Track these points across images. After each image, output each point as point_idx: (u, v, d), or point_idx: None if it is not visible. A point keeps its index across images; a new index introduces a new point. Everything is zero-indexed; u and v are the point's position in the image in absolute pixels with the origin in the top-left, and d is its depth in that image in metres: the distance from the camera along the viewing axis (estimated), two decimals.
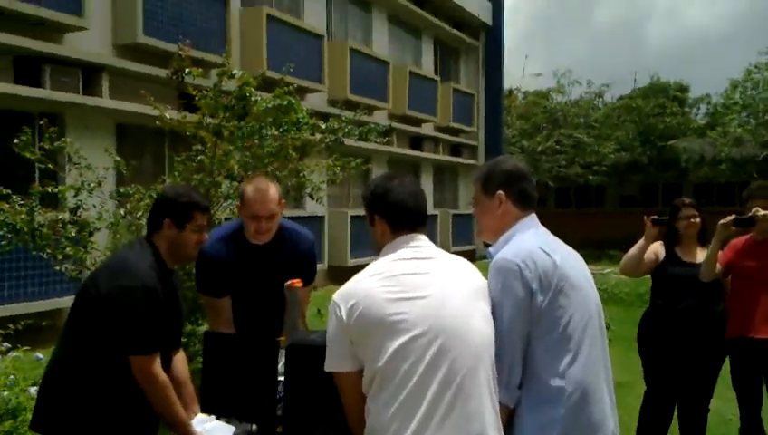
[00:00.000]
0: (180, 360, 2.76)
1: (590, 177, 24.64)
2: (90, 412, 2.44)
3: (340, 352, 2.02)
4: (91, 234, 5.20)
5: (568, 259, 2.24)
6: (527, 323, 2.10)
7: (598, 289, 2.37)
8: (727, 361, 4.24)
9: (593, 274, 2.36)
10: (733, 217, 4.00)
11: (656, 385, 4.45)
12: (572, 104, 27.93)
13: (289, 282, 2.94)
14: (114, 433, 2.46)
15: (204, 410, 2.66)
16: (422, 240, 2.15)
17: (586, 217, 25.74)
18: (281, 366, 2.55)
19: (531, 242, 2.21)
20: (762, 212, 3.89)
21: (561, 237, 2.33)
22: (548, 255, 2.16)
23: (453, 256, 2.20)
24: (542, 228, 2.33)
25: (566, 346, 2.11)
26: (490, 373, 2.01)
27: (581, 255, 2.39)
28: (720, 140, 22.22)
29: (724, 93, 23.79)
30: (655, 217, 4.37)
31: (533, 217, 2.33)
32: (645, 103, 25.46)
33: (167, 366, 2.59)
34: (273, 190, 3.18)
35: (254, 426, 2.58)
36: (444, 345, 1.94)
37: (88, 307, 2.47)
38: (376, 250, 2.20)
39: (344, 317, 1.98)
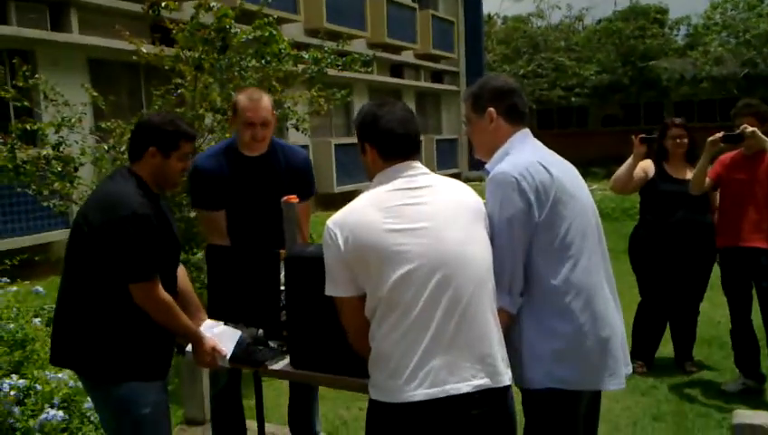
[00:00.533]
0: (182, 273, 2.78)
1: (573, 98, 24.66)
2: (104, 342, 2.48)
3: (339, 278, 2.02)
4: (76, 169, 5.15)
5: (565, 171, 2.25)
6: (527, 233, 2.11)
7: None
8: (716, 267, 4.41)
9: None
10: (721, 133, 4.05)
11: (650, 295, 4.70)
12: (553, 28, 27.67)
13: (285, 198, 2.95)
14: (130, 359, 2.50)
15: (211, 317, 2.74)
16: (416, 168, 2.09)
17: (569, 137, 25.80)
18: (282, 277, 2.62)
19: (528, 156, 2.20)
20: (750, 129, 3.94)
21: None
22: (545, 168, 2.16)
23: (448, 179, 2.16)
24: (538, 142, 2.31)
25: (566, 254, 2.13)
26: (492, 296, 2.02)
27: None
28: (700, 59, 22.19)
29: (704, 14, 23.60)
30: (643, 135, 4.45)
31: (527, 132, 2.30)
32: (625, 26, 25.29)
33: (172, 286, 2.62)
34: (266, 99, 3.18)
35: (261, 330, 2.68)
36: (445, 275, 1.94)
37: (83, 243, 2.46)
38: (368, 178, 2.16)
39: (341, 245, 1.97)
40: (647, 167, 4.62)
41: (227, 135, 6.10)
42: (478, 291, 1.98)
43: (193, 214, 5.83)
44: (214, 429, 3.42)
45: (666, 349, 5.05)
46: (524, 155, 2.20)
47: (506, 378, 2.00)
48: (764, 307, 4.09)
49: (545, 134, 2.32)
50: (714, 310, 5.57)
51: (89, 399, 3.36)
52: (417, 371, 1.90)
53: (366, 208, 2.01)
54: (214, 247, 2.97)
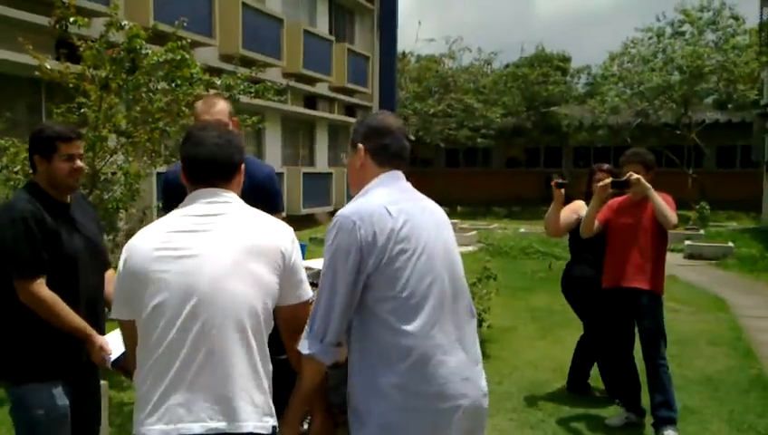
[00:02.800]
0: (109, 276, 2.87)
1: (479, 139, 25.53)
2: (6, 341, 2.61)
3: (118, 300, 2.02)
4: None
5: (419, 219, 2.10)
6: (356, 280, 1.98)
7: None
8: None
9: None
10: (610, 180, 4.35)
11: (594, 328, 4.95)
12: (463, 70, 28.58)
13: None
14: (26, 359, 2.60)
15: None
16: (217, 195, 2.03)
17: (474, 176, 26.69)
18: None
19: (376, 200, 2.07)
20: (635, 176, 4.23)
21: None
22: (390, 214, 2.03)
23: (255, 214, 2.07)
24: (400, 185, 2.18)
25: (405, 308, 1.99)
26: (249, 335, 1.91)
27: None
28: (598, 107, 23.54)
29: (603, 65, 25.09)
30: (559, 180, 4.71)
31: (393, 174, 2.17)
32: (530, 71, 26.58)
33: (96, 282, 2.74)
34: (222, 103, 3.22)
35: None
36: (196, 308, 1.88)
37: None
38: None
39: (121, 268, 1.99)
40: (577, 208, 4.96)
41: (130, 159, 5.95)
42: (230, 329, 1.89)
43: None
44: None
45: (551, 383, 5.27)
46: (374, 199, 2.08)
47: (247, 425, 1.88)
48: (645, 345, 4.35)
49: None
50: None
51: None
52: (159, 405, 1.87)
53: (151, 232, 2.01)
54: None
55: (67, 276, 2.63)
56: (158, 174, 7.60)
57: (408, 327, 1.97)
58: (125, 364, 2.49)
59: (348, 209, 2.05)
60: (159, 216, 3.22)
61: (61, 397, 2.62)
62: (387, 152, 2.18)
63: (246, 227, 2.00)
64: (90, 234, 2.77)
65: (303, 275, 2.08)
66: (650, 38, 22.89)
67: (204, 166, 2.04)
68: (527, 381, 5.42)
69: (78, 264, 2.66)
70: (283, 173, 15.96)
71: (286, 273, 2.01)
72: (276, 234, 2.04)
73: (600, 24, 64.40)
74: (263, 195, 3.26)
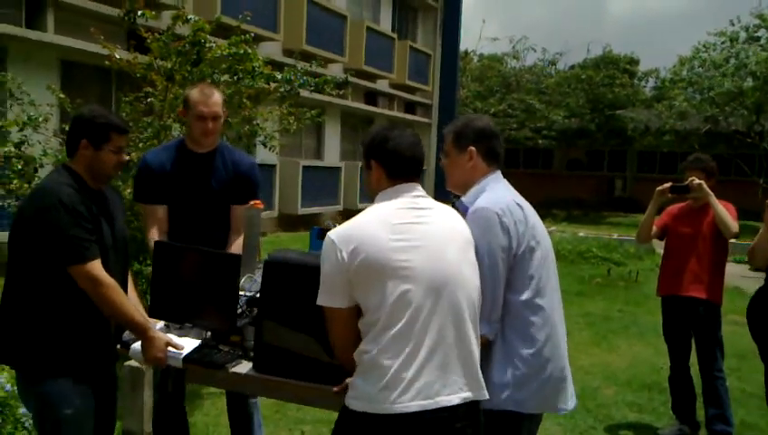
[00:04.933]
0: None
1: (540, 140, 25.14)
2: (36, 336, 2.47)
3: (336, 290, 2.09)
4: (36, 169, 5.08)
5: (532, 212, 2.42)
6: (506, 265, 2.27)
7: None
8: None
9: None
10: (669, 184, 4.23)
11: None
12: (526, 70, 28.19)
13: (251, 202, 3.02)
14: (60, 355, 2.49)
15: (152, 316, 2.68)
16: (419, 190, 2.22)
17: (533, 177, 26.30)
18: (242, 281, 2.68)
19: (505, 194, 2.38)
20: (697, 181, 4.11)
21: None
22: (520, 207, 2.35)
23: (443, 205, 2.27)
24: (508, 184, 2.48)
25: (535, 288, 2.31)
26: (476, 313, 2.17)
27: None
28: (665, 112, 22.80)
29: (672, 69, 24.33)
30: None
31: (499, 174, 2.47)
32: (595, 73, 25.97)
33: (121, 281, 2.62)
34: (217, 94, 3.29)
35: (209, 333, 2.65)
36: (444, 293, 2.06)
37: (20, 237, 2.49)
38: (368, 195, 2.28)
39: (345, 259, 2.04)
40: None
41: None
42: (470, 310, 2.12)
43: None
44: None
45: (602, 390, 5.16)
46: (501, 193, 2.38)
47: (485, 392, 2.15)
48: (701, 356, 4.22)
49: (511, 173, 2.49)
50: (657, 357, 5.73)
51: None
52: (413, 383, 2.00)
53: (372, 223, 2.11)
54: (162, 244, 2.92)
55: (110, 266, 2.51)
56: None
57: (541, 302, 2.31)
58: (198, 356, 2.50)
59: (485, 202, 2.32)
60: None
61: (88, 395, 2.54)
62: (493, 153, 2.46)
63: (450, 220, 2.22)
64: (118, 227, 2.68)
65: None
66: (723, 42, 22.02)
67: (407, 163, 2.22)
68: (578, 386, 5.22)
69: (110, 255, 2.55)
70: (341, 168, 16.09)
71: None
72: (465, 224, 2.28)
73: (670, 27, 62.58)
74: (244, 185, 3.34)
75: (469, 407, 2.08)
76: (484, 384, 2.14)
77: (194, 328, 2.68)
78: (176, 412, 3.36)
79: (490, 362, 2.31)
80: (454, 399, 2.03)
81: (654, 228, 4.36)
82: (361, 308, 2.09)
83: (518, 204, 2.36)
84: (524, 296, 2.30)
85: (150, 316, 2.67)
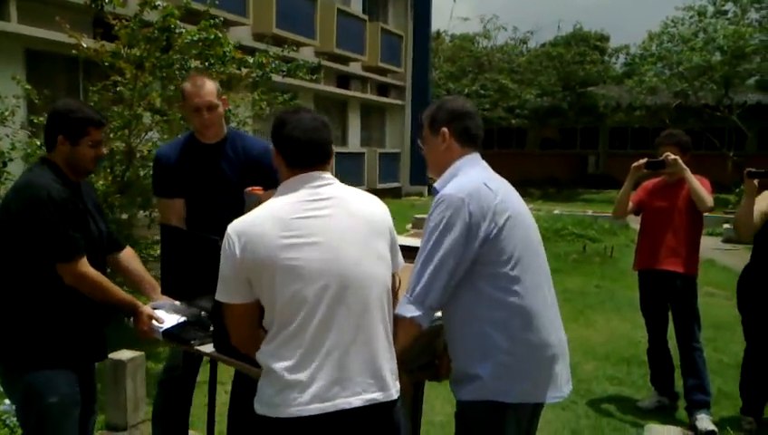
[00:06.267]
0: (131, 256, 2.89)
1: (513, 120, 25.25)
2: (18, 327, 2.49)
3: (231, 285, 2.01)
4: (5, 164, 4.97)
5: (508, 192, 2.31)
6: (464, 254, 2.15)
7: None
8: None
9: None
10: (645, 160, 4.27)
11: (757, 342, 4.10)
12: (498, 50, 28.29)
13: (249, 188, 3.00)
14: (41, 345, 2.50)
15: (164, 293, 2.86)
16: (322, 179, 2.07)
17: (508, 157, 26.36)
18: None
19: (476, 178, 2.26)
20: (672, 156, 4.15)
21: None
22: (491, 190, 2.22)
23: (356, 192, 2.14)
24: (485, 165, 2.38)
25: (511, 273, 2.18)
26: (386, 312, 2.06)
27: None
28: (636, 88, 22.99)
29: (642, 44, 24.51)
30: (751, 169, 3.88)
31: (476, 156, 2.37)
32: (566, 51, 26.09)
33: (101, 270, 2.65)
34: (210, 84, 3.25)
35: (203, 313, 2.70)
36: (339, 293, 1.96)
37: (4, 233, 2.48)
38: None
39: (237, 253, 1.96)
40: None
41: (165, 136, 6.04)
42: (373, 308, 2.01)
43: (125, 216, 5.72)
44: (155, 419, 3.39)
45: (582, 365, 5.24)
46: (472, 177, 2.26)
47: (395, 392, 2.04)
48: (679, 329, 4.29)
49: (486, 153, 2.41)
50: (634, 330, 5.82)
51: (5, 401, 3.27)
52: (310, 384, 1.92)
53: (265, 220, 1.99)
54: (167, 227, 3.07)
55: (91, 260, 2.55)
56: None
57: (518, 287, 2.18)
58: (177, 332, 2.60)
59: (452, 188, 2.21)
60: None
61: (73, 383, 2.56)
62: (468, 134, 2.36)
63: (359, 208, 2.10)
64: (97, 220, 2.69)
65: (398, 246, 2.22)
66: (691, 17, 22.24)
67: (306, 150, 2.07)
68: None
69: (94, 247, 2.60)
70: None
71: (392, 246, 2.16)
72: (382, 210, 2.17)
73: (639, 4, 62.98)
74: (258, 170, 3.28)
75: (376, 409, 1.98)
76: (393, 382, 2.03)
77: (191, 308, 2.77)
78: (180, 396, 3.36)
79: (461, 353, 2.24)
80: (354, 401, 1.94)
81: (630, 204, 4.40)
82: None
83: (489, 187, 2.23)
84: (496, 282, 2.18)
85: (163, 293, 2.83)
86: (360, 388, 1.96)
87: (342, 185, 2.13)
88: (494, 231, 2.17)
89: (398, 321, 2.15)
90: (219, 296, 2.05)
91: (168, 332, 2.63)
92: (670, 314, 4.38)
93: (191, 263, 2.77)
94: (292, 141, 2.07)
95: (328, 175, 2.10)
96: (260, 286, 1.98)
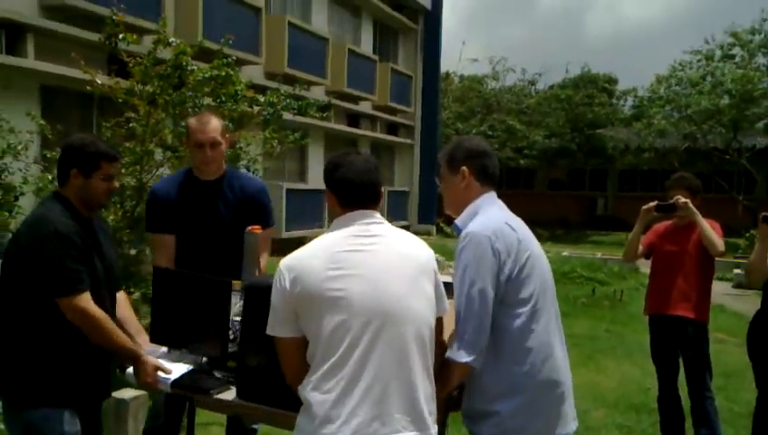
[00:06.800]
0: (122, 299, 2.82)
1: (521, 160, 25.31)
2: (21, 363, 2.47)
3: (281, 319, 2.05)
4: (16, 198, 5.01)
5: (527, 232, 2.38)
6: (496, 291, 2.20)
7: None
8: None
9: None
10: (655, 203, 4.25)
11: None
12: (506, 91, 28.51)
13: (249, 228, 3.00)
14: (43, 383, 2.47)
15: (153, 341, 2.73)
16: (371, 217, 2.15)
17: (516, 197, 26.33)
18: (237, 307, 2.64)
19: (497, 217, 2.34)
20: (682, 200, 4.12)
21: None
22: (513, 229, 2.30)
23: (402, 232, 2.20)
24: (502, 203, 2.44)
25: (530, 311, 2.24)
26: (427, 352, 2.06)
27: None
28: (645, 130, 23.09)
29: (650, 87, 24.69)
30: (766, 214, 3.73)
31: (494, 194, 2.43)
32: (575, 93, 26.27)
33: (110, 308, 2.62)
34: (216, 121, 3.27)
35: (204, 359, 2.64)
36: (382, 328, 1.97)
37: (12, 266, 2.49)
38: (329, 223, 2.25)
39: (287, 287, 2.01)
40: None
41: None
42: (413, 346, 2.01)
43: (133, 252, 5.73)
44: None
45: (591, 413, 5.13)
46: (493, 215, 2.34)
47: (433, 432, 2.04)
48: (690, 376, 4.21)
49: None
50: (644, 377, 5.71)
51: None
52: (350, 420, 1.92)
53: (313, 253, 2.06)
54: (161, 270, 2.95)
55: (99, 298, 2.53)
56: None
57: (537, 326, 2.24)
58: (187, 381, 2.50)
59: (476, 226, 2.27)
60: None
61: (74, 422, 2.51)
62: (487, 172, 2.42)
63: (406, 247, 2.15)
64: (108, 255, 2.68)
65: (443, 289, 2.22)
66: (699, 61, 22.45)
67: (359, 190, 2.16)
68: None
69: (100, 284, 2.57)
70: (325, 191, 16.05)
71: (437, 288, 2.16)
72: (428, 252, 2.20)
73: (647, 46, 63.62)
74: (253, 209, 3.31)
75: None
76: (432, 424, 2.04)
77: (191, 354, 2.68)
78: None
79: (480, 390, 2.26)
80: None
81: (640, 247, 4.37)
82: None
83: (510, 226, 2.31)
84: (519, 320, 2.23)
85: (151, 341, 2.71)
86: (400, 425, 1.96)
87: (390, 225, 2.19)
88: (517, 270, 2.23)
89: (450, 365, 2.19)
90: (270, 330, 2.08)
91: (177, 382, 2.53)
92: (681, 360, 4.30)
93: (188, 307, 2.68)
94: (346, 183, 2.16)
95: (378, 214, 2.17)
96: (306, 319, 2.01)
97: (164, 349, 2.72)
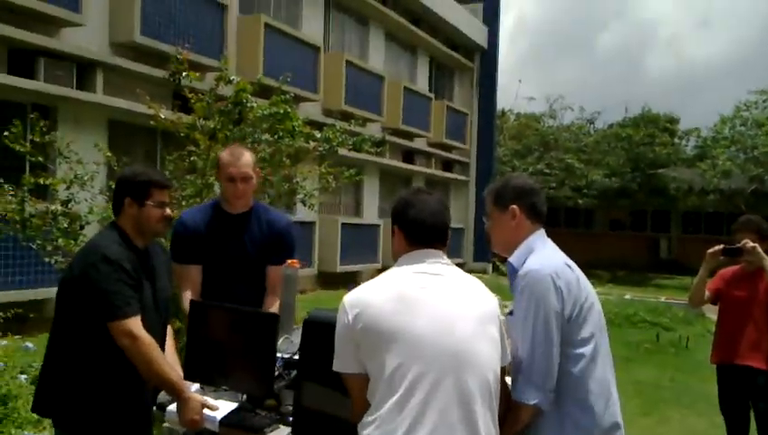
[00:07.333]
0: (168, 334, 2.81)
1: (580, 200, 24.86)
2: (76, 394, 2.48)
3: (346, 355, 2.02)
4: (81, 227, 5.16)
5: (582, 274, 2.33)
6: (560, 331, 2.17)
7: None
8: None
9: None
10: (721, 246, 4.07)
11: None
12: (564, 129, 28.21)
13: (289, 262, 3.01)
14: (110, 413, 2.49)
15: (187, 378, 2.62)
16: (437, 257, 2.13)
17: (575, 237, 25.89)
18: (279, 342, 2.59)
19: (555, 256, 2.31)
20: (750, 244, 3.94)
21: None
22: (570, 269, 2.27)
23: (466, 275, 2.17)
24: (551, 242, 2.40)
25: (590, 352, 2.21)
26: (492, 396, 2.00)
27: None
28: (709, 171, 22.45)
29: (714, 127, 24.08)
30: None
31: (543, 232, 2.40)
32: (635, 132, 25.73)
33: (160, 338, 2.61)
34: (248, 155, 3.28)
35: (244, 396, 2.58)
36: (447, 369, 1.93)
37: (67, 293, 2.53)
38: (393, 258, 2.21)
39: (350, 322, 1.99)
40: None
41: None
42: (482, 390, 1.96)
43: None
44: None
45: None
46: (550, 254, 2.31)
47: None
48: (761, 428, 3.97)
49: (552, 232, 2.40)
50: (712, 429, 5.42)
51: None
52: None
53: (379, 289, 2.04)
54: (198, 304, 2.86)
55: (150, 329, 2.51)
56: None
57: (595, 368, 2.21)
58: (236, 419, 2.45)
59: (536, 265, 2.23)
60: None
61: None
62: (536, 210, 2.40)
63: (469, 289, 2.11)
64: (161, 286, 2.69)
65: (506, 339, 2.17)
66: (765, 101, 21.82)
67: (429, 230, 2.14)
68: None
69: (150, 314, 2.56)
70: (379, 226, 16.13)
71: (501, 336, 2.12)
72: (493, 299, 2.15)
73: (707, 87, 62.32)
74: (279, 245, 3.31)
75: None
76: None
77: (228, 391, 2.61)
78: None
79: (543, 430, 2.19)
80: None
81: (707, 293, 4.18)
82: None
83: (568, 265, 2.28)
84: (580, 363, 2.19)
85: (185, 378, 2.62)
86: None
87: (457, 268, 2.15)
88: (577, 310, 2.19)
89: (518, 407, 2.16)
90: (335, 367, 2.05)
91: (225, 420, 2.45)
92: (752, 413, 4.07)
93: (229, 342, 2.61)
94: (418, 222, 2.14)
95: (442, 254, 2.15)
96: (368, 356, 1.98)
97: (195, 386, 2.64)
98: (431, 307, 1.98)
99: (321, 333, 2.24)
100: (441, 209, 2.19)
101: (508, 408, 2.16)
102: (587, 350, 2.20)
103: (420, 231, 2.13)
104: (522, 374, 2.18)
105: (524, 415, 2.17)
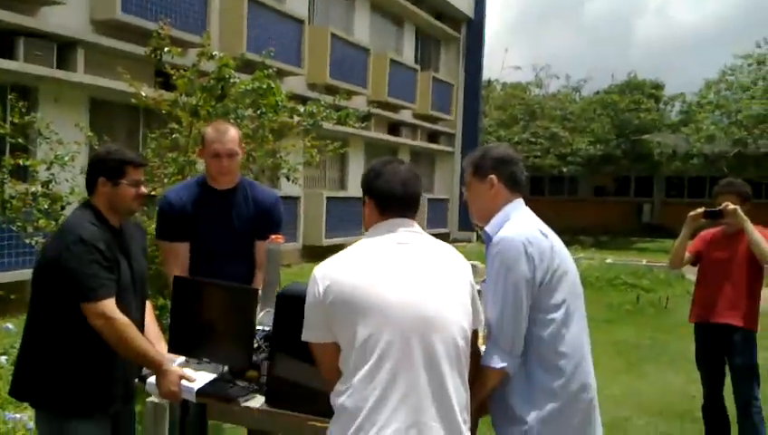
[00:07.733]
0: (147, 309, 2.82)
1: (565, 168, 24.99)
2: (53, 374, 2.50)
3: (315, 325, 2.04)
4: (63, 208, 5.13)
5: (557, 240, 2.35)
6: (530, 297, 2.20)
7: None
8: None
9: None
10: (702, 209, 4.14)
11: None
12: (550, 97, 28.22)
13: (273, 237, 3.00)
14: (89, 393, 2.51)
15: (171, 351, 2.69)
16: (409, 226, 2.13)
17: (559, 204, 26.07)
18: (260, 316, 2.63)
19: (529, 223, 2.32)
20: (731, 206, 4.01)
21: None
22: (545, 235, 2.29)
23: (438, 242, 2.18)
24: (529, 210, 2.42)
25: (562, 318, 2.24)
26: (462, 360, 2.03)
27: None
28: (693, 136, 22.59)
29: (699, 93, 24.14)
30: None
31: (521, 201, 2.42)
32: (620, 99, 25.81)
33: (138, 316, 2.64)
34: (233, 131, 3.25)
35: (226, 368, 2.63)
36: (417, 335, 1.95)
37: (42, 273, 2.53)
38: (365, 228, 2.21)
39: (321, 295, 2.00)
40: None
41: None
42: (449, 354, 1.98)
43: None
44: None
45: (633, 421, 5.02)
46: (524, 222, 2.32)
47: None
48: (737, 385, 4.09)
49: (537, 201, 2.44)
50: (689, 385, 5.57)
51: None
52: (385, 428, 1.90)
53: (349, 260, 2.05)
54: (181, 279, 2.90)
55: (126, 307, 2.53)
56: None
57: (567, 332, 2.23)
58: (213, 389, 2.49)
59: (509, 232, 2.25)
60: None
61: (107, 429, 2.56)
62: (515, 179, 2.41)
63: (444, 257, 2.13)
64: (137, 265, 2.68)
65: (479, 303, 2.20)
66: (750, 65, 21.88)
67: (400, 200, 2.15)
68: (608, 417, 5.12)
69: (128, 293, 2.58)
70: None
71: (473, 300, 2.14)
72: (464, 263, 2.18)
73: (697, 52, 62.20)
74: (266, 220, 3.32)
75: None
76: (465, 431, 2.00)
77: (211, 363, 2.67)
78: None
79: (513, 397, 2.23)
80: None
81: (687, 254, 4.26)
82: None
83: (543, 232, 2.30)
84: (550, 327, 2.22)
85: (170, 351, 2.68)
86: (436, 433, 1.93)
87: (428, 235, 2.16)
88: (548, 276, 2.22)
89: (485, 371, 2.20)
90: (305, 337, 2.08)
91: (202, 391, 2.51)
92: (727, 368, 4.18)
93: (211, 316, 2.67)
94: (388, 191, 2.14)
95: (415, 224, 2.16)
96: (339, 326, 1.99)
97: (181, 358, 2.69)
98: (402, 277, 2.01)
99: (294, 306, 2.26)
100: (412, 178, 2.19)
101: (478, 370, 2.20)
102: (557, 315, 2.23)
103: (392, 201, 2.14)
104: (490, 339, 2.22)
105: (492, 379, 2.22)
